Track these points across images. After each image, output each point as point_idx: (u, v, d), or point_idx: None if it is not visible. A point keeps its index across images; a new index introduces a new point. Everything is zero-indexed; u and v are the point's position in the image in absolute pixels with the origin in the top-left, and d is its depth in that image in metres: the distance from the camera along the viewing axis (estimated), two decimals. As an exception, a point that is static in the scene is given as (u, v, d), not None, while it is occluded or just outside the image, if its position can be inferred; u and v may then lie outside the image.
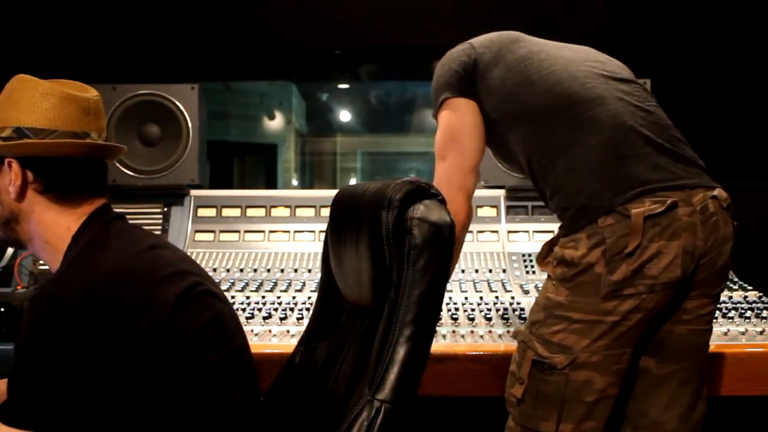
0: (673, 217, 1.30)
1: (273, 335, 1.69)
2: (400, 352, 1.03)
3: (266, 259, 2.23)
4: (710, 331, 1.42)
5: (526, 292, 1.99)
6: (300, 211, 2.36)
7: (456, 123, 1.56)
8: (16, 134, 1.20)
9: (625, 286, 1.30)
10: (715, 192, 1.36)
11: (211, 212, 2.36)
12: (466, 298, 1.94)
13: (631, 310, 1.30)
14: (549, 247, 1.47)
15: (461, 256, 2.23)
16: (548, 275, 1.42)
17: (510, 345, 1.58)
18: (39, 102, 1.21)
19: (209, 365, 1.15)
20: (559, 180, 1.40)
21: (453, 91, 1.56)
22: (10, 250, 2.22)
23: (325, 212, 2.33)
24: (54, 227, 1.23)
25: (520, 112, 1.47)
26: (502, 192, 2.36)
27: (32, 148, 1.20)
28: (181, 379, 1.11)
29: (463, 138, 1.55)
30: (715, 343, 1.61)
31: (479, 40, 1.59)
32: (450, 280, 2.08)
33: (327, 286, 1.36)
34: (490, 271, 2.16)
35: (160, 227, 2.31)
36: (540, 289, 1.66)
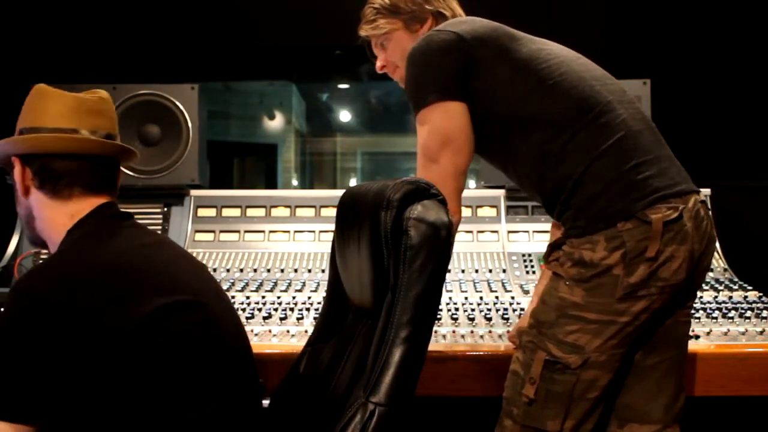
0: (682, 223, 1.35)
1: (273, 335, 1.69)
2: (396, 353, 1.03)
3: (266, 259, 2.23)
4: (689, 324, 1.48)
5: (526, 292, 1.99)
6: (300, 211, 2.36)
7: (450, 126, 1.47)
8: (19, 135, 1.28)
9: (640, 287, 1.33)
10: (701, 196, 1.43)
11: (211, 212, 2.37)
12: (466, 298, 1.93)
13: (642, 310, 1.34)
14: (553, 247, 1.46)
15: (461, 255, 2.24)
16: (556, 275, 1.41)
17: (510, 345, 1.58)
18: (35, 104, 1.29)
19: (194, 369, 1.13)
20: (577, 183, 1.40)
21: (444, 92, 1.46)
22: (10, 250, 2.22)
23: (325, 212, 2.34)
24: (51, 223, 1.26)
25: (535, 116, 1.44)
26: (502, 192, 2.35)
27: (19, 143, 1.26)
28: (162, 381, 1.10)
29: (458, 142, 1.47)
30: (715, 343, 1.62)
31: (466, 31, 1.48)
32: (450, 280, 2.08)
33: (334, 287, 1.36)
34: (490, 271, 2.16)
35: (160, 227, 2.31)
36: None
